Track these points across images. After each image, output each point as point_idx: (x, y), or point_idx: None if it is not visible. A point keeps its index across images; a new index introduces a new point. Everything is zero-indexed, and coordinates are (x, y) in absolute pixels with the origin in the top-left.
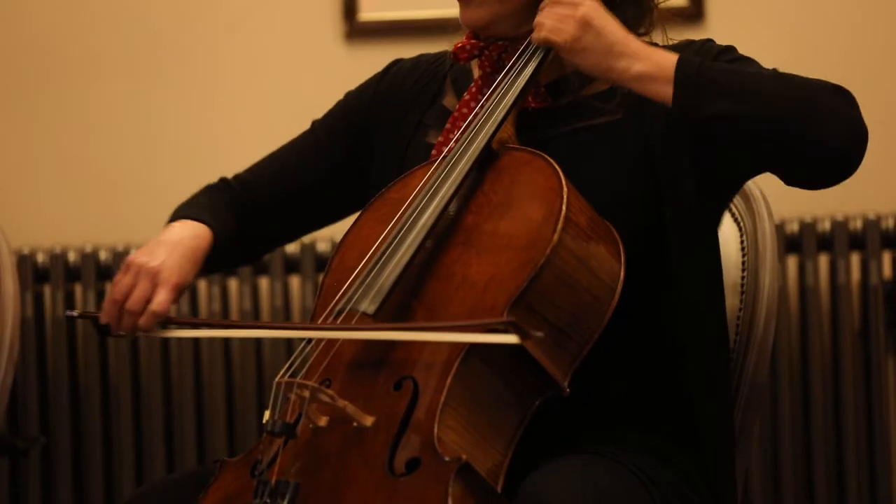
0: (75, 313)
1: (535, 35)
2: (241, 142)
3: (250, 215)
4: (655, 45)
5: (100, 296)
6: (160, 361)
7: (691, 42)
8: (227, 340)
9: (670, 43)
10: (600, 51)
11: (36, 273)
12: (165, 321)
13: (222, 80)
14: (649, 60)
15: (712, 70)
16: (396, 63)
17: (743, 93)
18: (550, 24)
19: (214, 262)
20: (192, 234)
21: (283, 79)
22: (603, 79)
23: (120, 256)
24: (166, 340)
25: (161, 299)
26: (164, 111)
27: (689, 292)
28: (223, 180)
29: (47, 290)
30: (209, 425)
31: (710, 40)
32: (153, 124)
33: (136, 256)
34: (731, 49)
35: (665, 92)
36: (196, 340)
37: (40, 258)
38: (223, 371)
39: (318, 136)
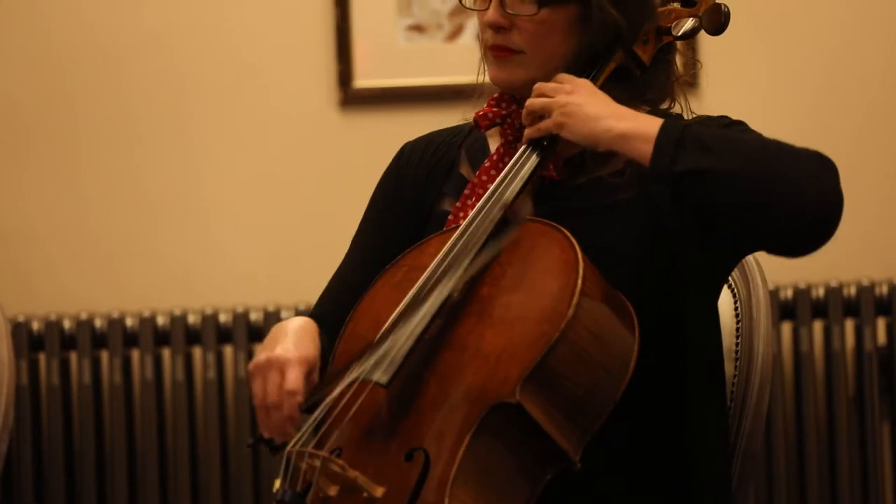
0: (250, 442)
1: (525, 120)
2: (238, 208)
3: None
4: (679, 115)
5: (95, 363)
6: (156, 428)
7: (709, 118)
8: (222, 406)
9: (692, 117)
10: (585, 118)
11: (31, 341)
12: (311, 405)
13: (218, 146)
14: (634, 122)
15: (697, 130)
16: (406, 146)
17: (722, 151)
18: (539, 103)
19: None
20: (298, 320)
21: (279, 146)
22: (589, 145)
23: (115, 324)
24: (161, 406)
25: (291, 377)
26: (160, 178)
27: (694, 368)
28: None
29: (42, 358)
30: (204, 492)
31: (725, 116)
32: (148, 191)
33: (254, 361)
34: (738, 123)
35: (645, 150)
36: (191, 405)
37: (35, 326)
38: (218, 437)
39: (363, 242)
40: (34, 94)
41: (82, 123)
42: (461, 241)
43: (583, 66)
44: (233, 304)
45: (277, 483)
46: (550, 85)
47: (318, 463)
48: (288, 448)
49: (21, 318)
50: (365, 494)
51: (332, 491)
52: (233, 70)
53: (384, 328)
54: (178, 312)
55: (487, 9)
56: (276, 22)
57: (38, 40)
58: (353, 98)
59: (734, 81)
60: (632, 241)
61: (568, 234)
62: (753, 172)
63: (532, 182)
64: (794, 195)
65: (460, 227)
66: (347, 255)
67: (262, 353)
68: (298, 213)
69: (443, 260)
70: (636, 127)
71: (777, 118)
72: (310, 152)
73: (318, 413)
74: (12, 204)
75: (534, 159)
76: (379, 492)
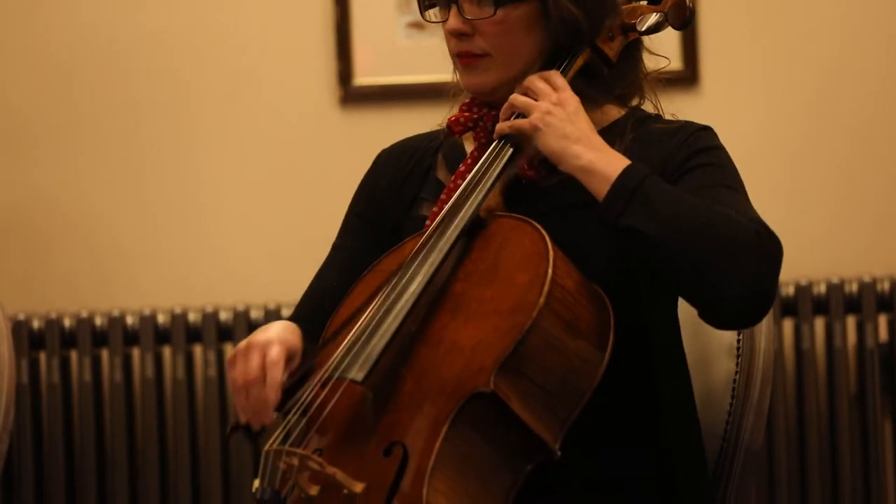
0: (229, 430)
1: (503, 113)
2: (238, 206)
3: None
4: (658, 116)
5: (95, 361)
6: (156, 428)
7: (689, 124)
8: (223, 403)
9: (672, 117)
10: (560, 134)
11: (31, 339)
12: (284, 400)
13: (218, 145)
14: (602, 156)
15: (652, 188)
16: (383, 152)
17: (666, 218)
18: (523, 101)
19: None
20: (280, 322)
21: (279, 144)
22: (554, 161)
23: (115, 322)
24: (161, 404)
25: (274, 352)
26: (160, 176)
27: (659, 355)
28: None
29: (43, 357)
30: (205, 489)
31: (706, 130)
32: (149, 189)
33: (236, 348)
34: (713, 150)
35: (602, 190)
36: (192, 403)
37: (36, 324)
38: (219, 435)
39: (343, 246)
40: (35, 95)
41: (82, 121)
42: (433, 239)
43: (550, 63)
44: (233, 301)
45: (257, 483)
46: (541, 85)
47: (296, 461)
48: (265, 447)
49: (21, 317)
50: (345, 491)
51: (313, 490)
52: (233, 69)
53: (358, 327)
54: (178, 310)
55: (448, 19)
56: (276, 20)
57: (39, 43)
58: (353, 96)
59: (734, 79)
60: (606, 238)
61: (538, 226)
62: (688, 250)
63: (503, 179)
64: (721, 283)
65: (432, 226)
66: (326, 260)
67: (244, 341)
68: (299, 211)
69: (414, 258)
70: (601, 164)
71: (778, 115)
72: (310, 150)
73: (294, 412)
74: (12, 202)
75: (504, 156)
76: (358, 487)
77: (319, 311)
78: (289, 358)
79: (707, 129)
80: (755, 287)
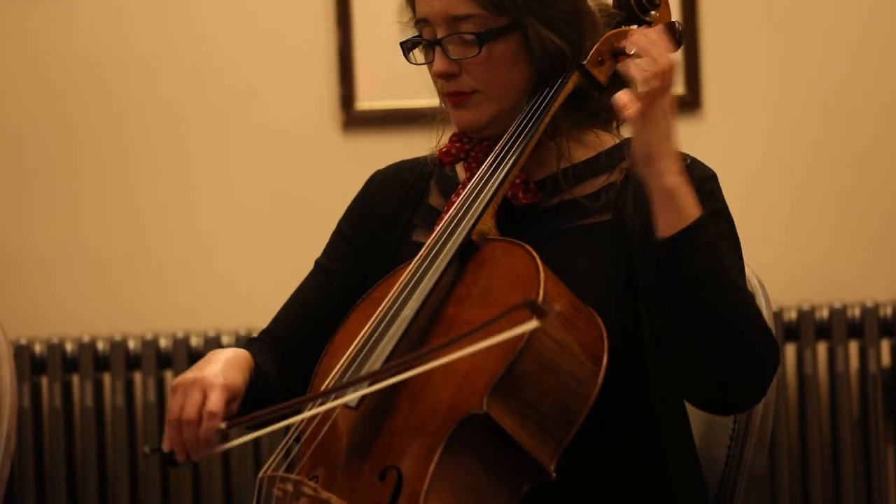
0: (147, 450)
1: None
2: (240, 230)
3: (290, 361)
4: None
5: (97, 386)
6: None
7: (694, 168)
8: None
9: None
10: (663, 135)
11: (33, 364)
12: (224, 435)
13: (220, 168)
14: (683, 185)
15: (712, 253)
16: (376, 174)
17: (706, 290)
18: (669, 64)
19: (258, 388)
20: (231, 351)
21: (282, 168)
22: (640, 160)
23: (117, 346)
24: (163, 428)
25: (214, 399)
26: (162, 200)
27: (656, 378)
28: (251, 340)
29: (44, 381)
30: None
31: (711, 181)
32: (150, 213)
33: (178, 378)
34: (721, 215)
35: (670, 223)
36: None
37: (38, 349)
38: (220, 461)
39: (326, 266)
40: (29, 120)
41: (81, 144)
42: (425, 265)
43: (540, 89)
44: (235, 326)
45: None
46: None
47: (290, 487)
48: (260, 474)
49: (23, 341)
50: None
51: None
52: (235, 92)
53: (351, 353)
54: (180, 335)
55: (433, 61)
56: (279, 44)
57: (35, 68)
58: (355, 120)
59: (737, 104)
60: (605, 262)
61: (530, 248)
62: (713, 323)
63: (493, 203)
64: (720, 380)
65: (423, 251)
66: (308, 277)
67: (188, 373)
68: (301, 235)
69: (407, 284)
70: (682, 196)
71: (781, 139)
72: (312, 174)
73: (289, 437)
74: (13, 228)
75: (494, 182)
76: None
77: (295, 328)
78: (229, 401)
79: (712, 179)
80: (751, 394)
